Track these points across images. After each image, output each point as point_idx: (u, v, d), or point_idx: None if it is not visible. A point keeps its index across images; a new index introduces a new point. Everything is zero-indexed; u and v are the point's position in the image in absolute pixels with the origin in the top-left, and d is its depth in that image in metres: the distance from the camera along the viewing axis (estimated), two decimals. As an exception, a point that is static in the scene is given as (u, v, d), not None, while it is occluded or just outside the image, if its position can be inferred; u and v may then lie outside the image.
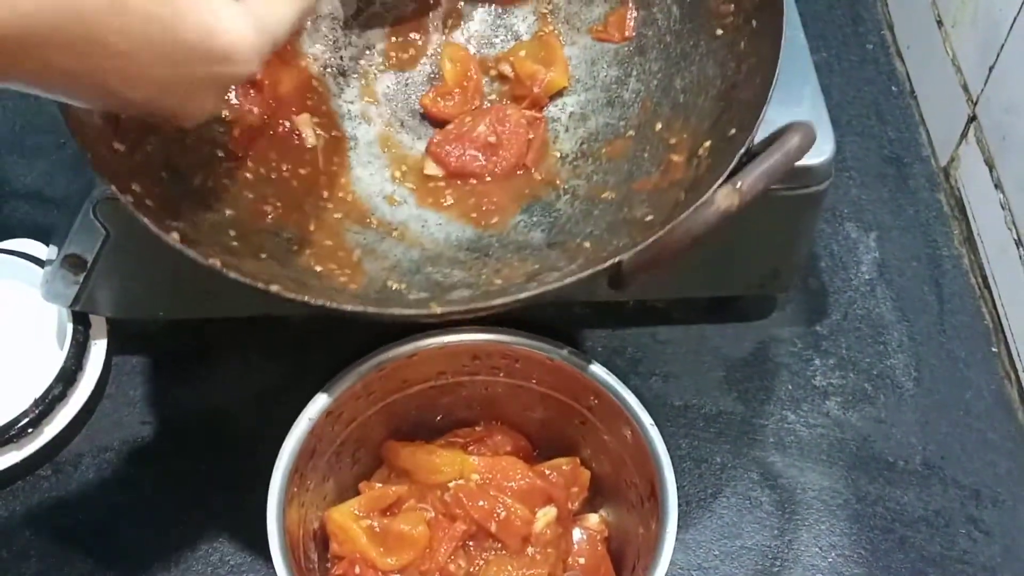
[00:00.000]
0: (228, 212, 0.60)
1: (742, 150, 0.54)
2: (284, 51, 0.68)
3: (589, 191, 0.65)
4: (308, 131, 0.66)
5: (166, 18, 0.43)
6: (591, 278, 0.54)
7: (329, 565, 0.66)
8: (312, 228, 0.62)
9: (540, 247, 0.62)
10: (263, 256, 0.57)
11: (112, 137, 0.56)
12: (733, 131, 0.58)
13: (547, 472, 0.69)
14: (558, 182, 0.66)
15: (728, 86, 0.62)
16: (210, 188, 0.60)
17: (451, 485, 0.67)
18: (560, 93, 0.70)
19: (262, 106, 0.65)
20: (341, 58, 0.70)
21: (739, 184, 0.53)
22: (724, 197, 0.52)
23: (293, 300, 0.52)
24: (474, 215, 0.65)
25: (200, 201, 0.59)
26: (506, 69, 0.71)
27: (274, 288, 0.52)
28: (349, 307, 0.53)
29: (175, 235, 0.53)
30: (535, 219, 0.65)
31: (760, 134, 0.56)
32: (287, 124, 0.66)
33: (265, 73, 0.65)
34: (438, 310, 0.54)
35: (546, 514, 0.67)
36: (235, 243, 0.57)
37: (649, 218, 0.59)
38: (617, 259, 0.53)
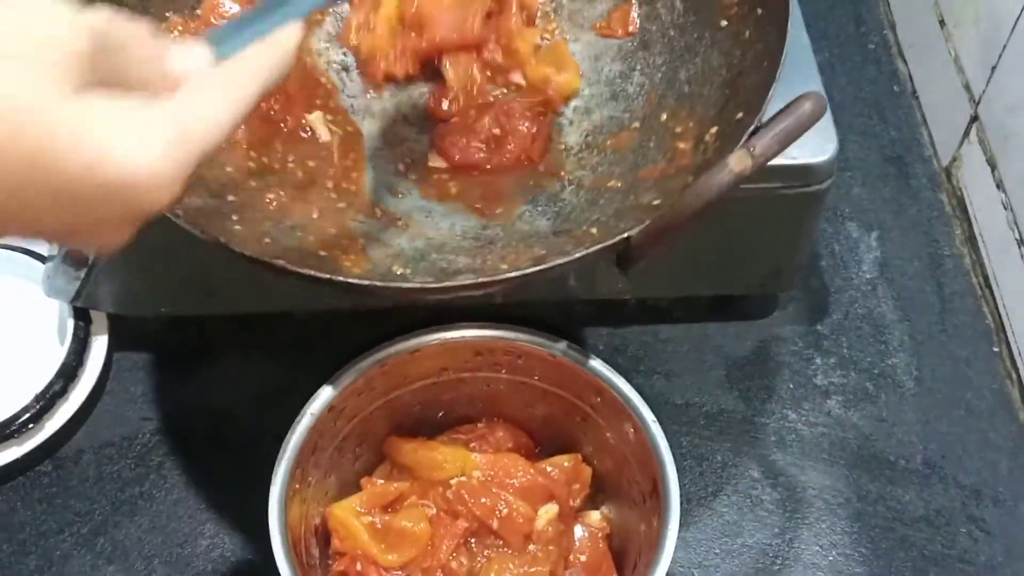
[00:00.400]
0: (231, 198, 0.60)
1: (751, 128, 0.54)
2: None
3: (594, 181, 0.65)
4: (321, 128, 0.66)
5: (34, 155, 0.33)
6: (599, 256, 0.54)
7: (330, 561, 0.66)
8: (316, 216, 0.62)
9: (546, 235, 0.62)
10: (267, 241, 0.57)
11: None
12: (740, 115, 0.58)
13: (549, 469, 0.69)
14: (563, 173, 0.67)
15: (734, 74, 0.62)
16: (213, 176, 0.60)
17: (453, 482, 0.67)
18: (574, 94, 0.69)
19: (268, 100, 0.65)
20: (345, 53, 0.70)
21: (752, 148, 0.52)
22: (737, 161, 0.52)
23: (298, 274, 0.52)
24: (478, 205, 0.65)
25: (203, 187, 0.59)
26: (517, 78, 0.70)
27: (279, 263, 0.52)
28: (353, 280, 0.53)
29: (179, 213, 0.53)
30: (540, 208, 0.65)
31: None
32: (296, 119, 0.66)
33: None
34: (446, 284, 0.54)
35: (548, 511, 0.67)
36: (238, 227, 0.57)
37: (656, 203, 0.59)
38: (626, 234, 0.53)
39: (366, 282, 0.54)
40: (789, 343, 0.82)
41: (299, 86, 0.68)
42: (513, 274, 0.53)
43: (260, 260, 0.52)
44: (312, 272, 0.53)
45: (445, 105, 0.69)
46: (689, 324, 0.82)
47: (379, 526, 0.66)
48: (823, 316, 0.83)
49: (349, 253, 0.60)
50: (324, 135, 0.67)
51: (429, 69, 0.70)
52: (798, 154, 0.66)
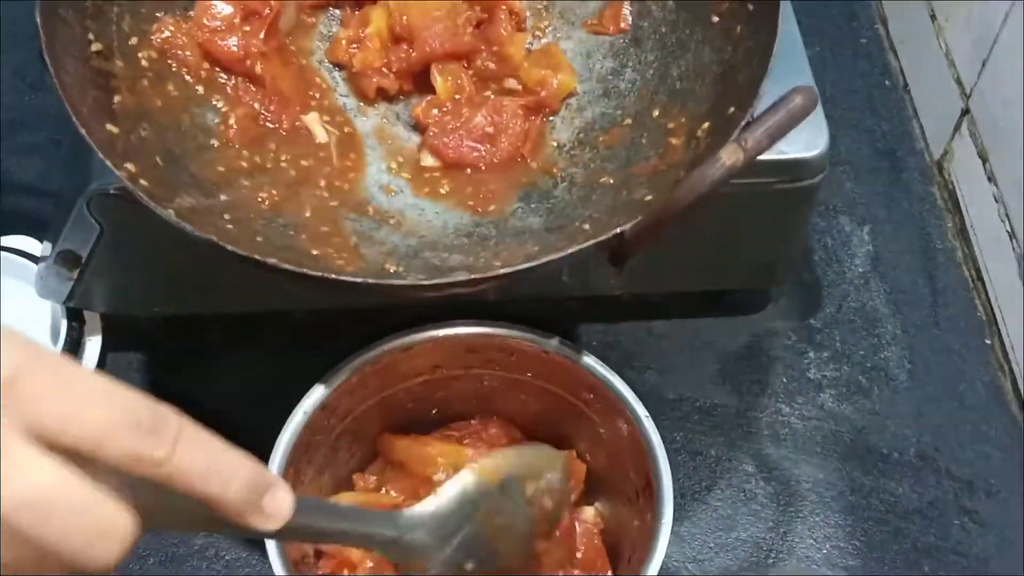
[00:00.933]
0: (223, 197, 0.60)
1: (742, 123, 0.54)
2: (283, 47, 0.68)
3: (587, 178, 0.65)
4: (318, 129, 0.66)
5: None
6: (594, 249, 0.54)
7: (319, 561, 0.66)
8: (308, 215, 0.62)
9: (539, 231, 0.62)
10: (259, 240, 0.57)
11: (106, 119, 0.57)
12: (732, 110, 0.58)
13: (542, 468, 0.69)
14: (555, 170, 0.66)
15: (725, 70, 0.62)
16: (205, 174, 0.60)
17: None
18: (571, 94, 0.69)
19: (263, 101, 0.65)
20: (337, 52, 0.70)
21: (744, 142, 0.52)
22: (729, 154, 0.52)
23: (290, 273, 0.52)
24: (471, 203, 0.65)
25: (195, 185, 0.59)
26: (512, 84, 0.70)
27: (272, 261, 0.52)
28: (346, 278, 0.53)
29: (171, 213, 0.53)
30: (533, 206, 0.65)
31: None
32: (291, 121, 0.66)
33: (265, 69, 0.65)
34: (439, 281, 0.54)
35: None
36: (230, 226, 0.57)
37: (649, 198, 0.59)
38: (619, 230, 0.53)
39: (359, 279, 0.54)
40: (782, 337, 0.82)
41: (295, 85, 0.68)
42: (506, 270, 0.53)
43: (252, 258, 0.52)
44: (305, 270, 0.53)
45: (434, 115, 0.68)
46: (682, 319, 0.82)
47: None
48: (816, 310, 0.83)
49: (341, 251, 0.60)
50: (320, 136, 0.66)
51: (418, 79, 0.70)
52: (790, 149, 0.66)
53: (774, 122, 0.53)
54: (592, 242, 0.54)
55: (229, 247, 0.52)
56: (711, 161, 0.52)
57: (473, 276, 0.54)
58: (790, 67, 0.69)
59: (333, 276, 0.53)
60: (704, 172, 0.52)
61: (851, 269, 0.85)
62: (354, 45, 0.68)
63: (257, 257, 0.52)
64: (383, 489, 0.69)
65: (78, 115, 0.54)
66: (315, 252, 0.59)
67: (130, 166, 0.55)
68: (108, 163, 0.53)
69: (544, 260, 0.53)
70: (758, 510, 0.74)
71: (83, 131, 0.53)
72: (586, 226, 0.60)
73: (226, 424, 0.77)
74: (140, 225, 0.56)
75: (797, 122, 0.54)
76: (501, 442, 0.71)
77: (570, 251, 0.53)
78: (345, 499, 0.67)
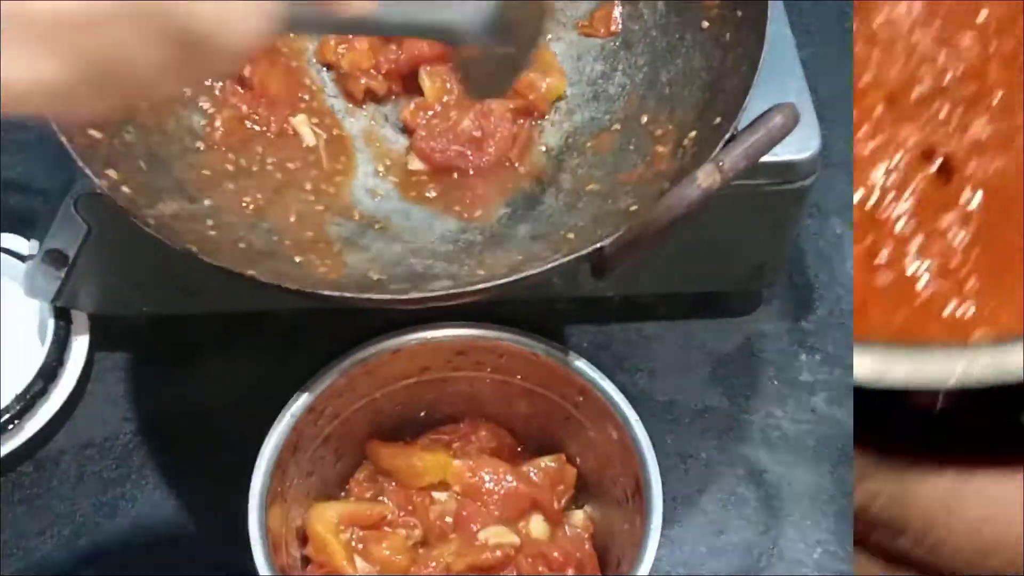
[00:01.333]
0: (207, 202, 0.60)
1: (726, 136, 0.54)
2: (273, 47, 0.68)
3: (574, 184, 0.65)
4: (305, 131, 0.66)
5: None
6: (572, 264, 0.54)
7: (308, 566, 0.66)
8: (293, 220, 0.62)
9: (524, 239, 0.62)
10: (241, 246, 0.57)
11: (89, 124, 0.57)
12: (719, 120, 0.58)
13: (531, 473, 0.68)
14: (543, 176, 0.66)
15: (714, 77, 0.62)
16: (190, 178, 0.60)
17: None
18: (560, 98, 0.69)
19: (250, 103, 0.65)
20: (325, 53, 0.70)
21: (721, 162, 0.53)
22: (706, 175, 0.52)
23: (270, 286, 0.52)
24: (457, 208, 0.65)
25: (179, 189, 0.59)
26: None
27: (250, 273, 0.52)
28: (326, 292, 0.53)
29: (151, 221, 0.53)
30: (519, 212, 0.65)
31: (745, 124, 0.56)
32: (280, 123, 0.65)
33: (253, 71, 0.65)
34: (417, 295, 0.54)
35: (536, 524, 0.67)
36: (213, 232, 0.57)
37: (634, 208, 0.59)
38: (599, 245, 0.53)
39: (336, 294, 0.54)
40: (774, 340, 0.81)
41: (283, 87, 0.67)
42: (485, 285, 0.54)
43: (229, 270, 0.52)
44: (283, 283, 0.53)
45: (421, 117, 0.68)
46: (673, 321, 0.82)
47: (358, 546, 0.65)
48: (808, 312, 0.83)
49: (324, 258, 0.60)
50: (309, 139, 0.66)
51: (407, 81, 0.70)
52: (781, 151, 0.65)
53: (753, 142, 0.54)
54: (572, 256, 0.54)
55: (206, 259, 0.52)
56: (688, 182, 0.52)
57: (451, 291, 0.54)
58: (782, 68, 0.69)
59: (310, 290, 0.53)
60: (681, 193, 0.52)
61: (843, 272, 0.85)
62: (343, 45, 0.68)
63: (236, 270, 0.52)
64: (378, 499, 0.69)
65: (59, 120, 0.54)
66: (298, 259, 0.59)
67: (112, 173, 0.55)
68: (87, 171, 0.53)
69: (523, 275, 0.53)
70: (749, 514, 0.74)
71: (63, 138, 0.54)
72: (570, 235, 0.60)
73: (212, 425, 0.77)
74: (128, 224, 0.56)
75: (777, 141, 0.54)
76: (491, 445, 0.71)
77: (549, 265, 0.54)
78: (337, 508, 0.66)
